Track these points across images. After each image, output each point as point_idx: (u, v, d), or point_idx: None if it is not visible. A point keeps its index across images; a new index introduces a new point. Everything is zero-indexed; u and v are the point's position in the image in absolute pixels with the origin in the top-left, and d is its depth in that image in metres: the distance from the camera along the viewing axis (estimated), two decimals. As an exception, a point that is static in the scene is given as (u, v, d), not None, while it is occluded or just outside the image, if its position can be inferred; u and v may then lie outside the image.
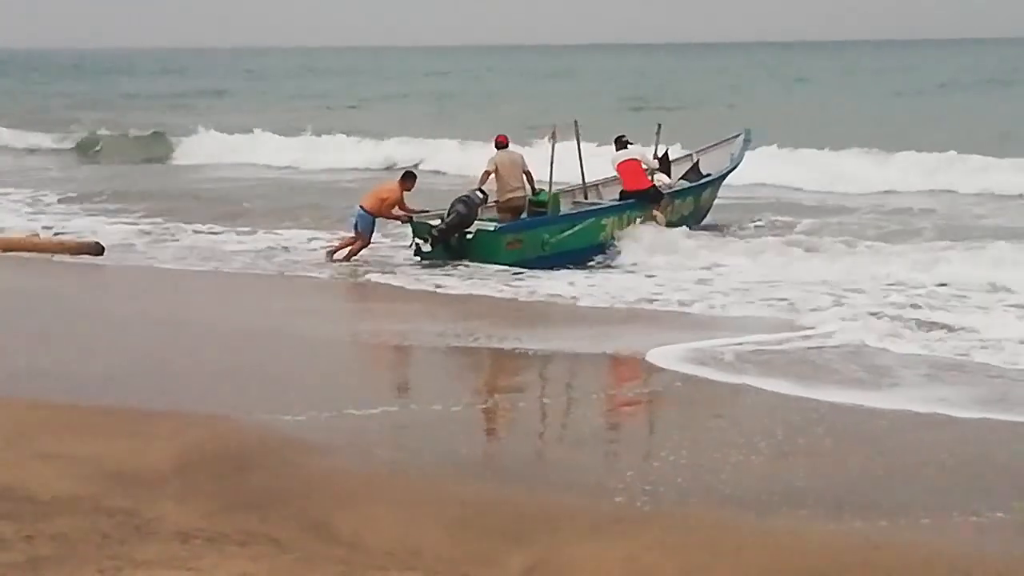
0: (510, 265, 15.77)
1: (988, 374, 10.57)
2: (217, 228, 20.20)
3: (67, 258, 17.13)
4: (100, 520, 6.73)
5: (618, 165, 17.70)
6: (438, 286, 15.00)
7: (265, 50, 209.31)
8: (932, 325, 12.38)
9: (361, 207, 16.80)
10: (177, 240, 19.24)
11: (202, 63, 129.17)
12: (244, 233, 19.59)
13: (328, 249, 17.07)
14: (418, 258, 16.32)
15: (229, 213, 21.88)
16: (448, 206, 16.13)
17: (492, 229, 16.14)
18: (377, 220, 16.81)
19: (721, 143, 20.19)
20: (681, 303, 13.92)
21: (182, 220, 20.98)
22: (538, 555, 6.40)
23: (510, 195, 16.80)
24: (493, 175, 16.76)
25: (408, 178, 17.11)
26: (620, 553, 6.46)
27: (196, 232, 19.87)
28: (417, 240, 16.20)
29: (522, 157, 17.09)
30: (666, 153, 19.00)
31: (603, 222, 16.92)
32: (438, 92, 63.75)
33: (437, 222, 16.07)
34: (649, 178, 17.76)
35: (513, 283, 15.14)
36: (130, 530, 6.61)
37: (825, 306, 13.46)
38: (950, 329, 12.15)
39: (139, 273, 16.48)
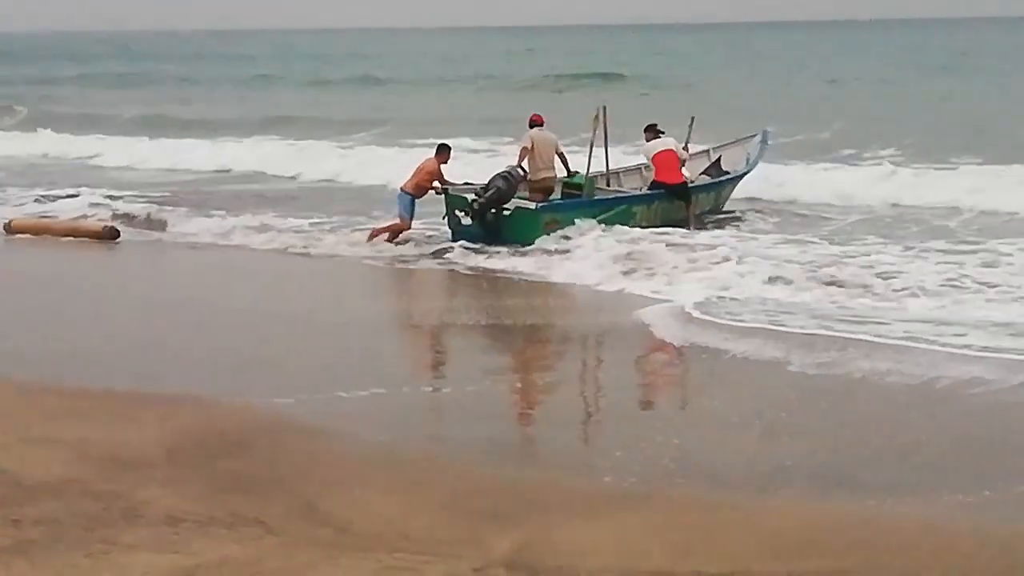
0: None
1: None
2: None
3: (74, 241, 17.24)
4: (88, 504, 6.73)
5: (655, 155, 17.43)
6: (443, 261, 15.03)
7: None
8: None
9: (402, 189, 16.80)
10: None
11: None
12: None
13: (371, 232, 16.85)
14: (452, 233, 16.26)
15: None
16: (487, 181, 16.04)
17: (533, 207, 16.04)
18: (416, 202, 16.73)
19: (738, 141, 20.05)
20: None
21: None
22: (527, 536, 6.40)
23: (543, 175, 16.69)
24: (523, 152, 16.70)
25: (444, 150, 17.04)
26: (609, 533, 6.47)
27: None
28: (457, 212, 16.08)
29: (555, 137, 16.99)
30: (685, 146, 18.65)
31: (634, 210, 16.82)
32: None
33: (472, 196, 15.98)
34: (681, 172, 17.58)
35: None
36: (118, 514, 6.61)
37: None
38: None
39: (135, 253, 16.45)
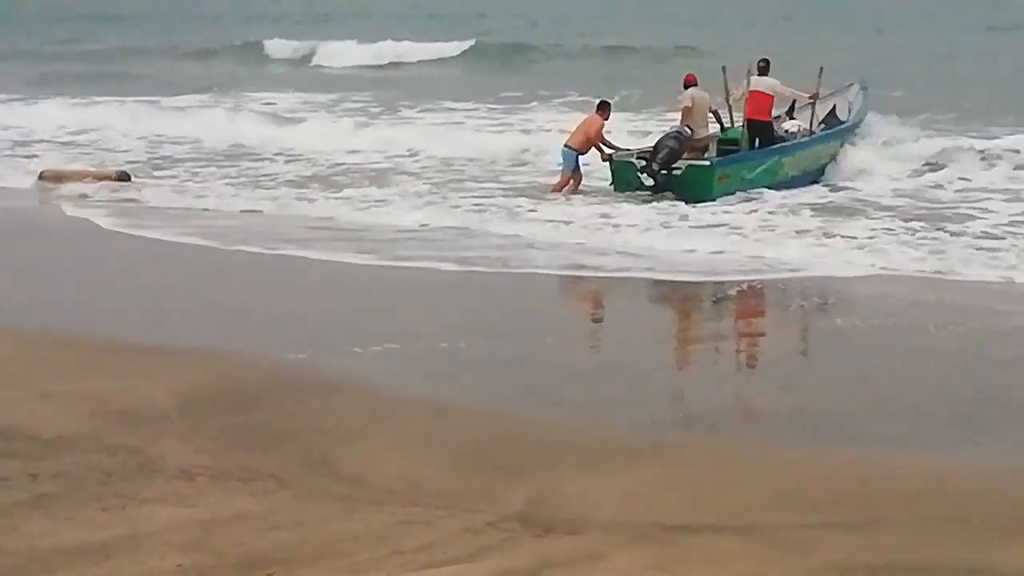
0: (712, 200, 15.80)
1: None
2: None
3: (86, 186, 17.48)
4: (103, 458, 6.76)
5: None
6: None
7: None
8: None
9: (567, 146, 16.88)
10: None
11: None
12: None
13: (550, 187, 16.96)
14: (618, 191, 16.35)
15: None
16: (654, 143, 16.34)
17: (707, 163, 16.29)
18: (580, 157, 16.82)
19: (835, 93, 19.61)
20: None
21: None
22: (540, 489, 6.42)
23: (702, 133, 16.89)
24: (685, 112, 16.82)
25: (605, 107, 17.19)
26: (622, 486, 6.49)
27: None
28: (639, 175, 16.15)
29: (708, 96, 17.11)
30: (793, 102, 18.42)
31: (783, 160, 17.02)
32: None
33: (638, 161, 16.19)
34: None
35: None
36: (134, 468, 6.64)
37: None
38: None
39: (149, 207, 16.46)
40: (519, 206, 15.82)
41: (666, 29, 44.66)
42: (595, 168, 16.93)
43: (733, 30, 44.82)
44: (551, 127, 21.44)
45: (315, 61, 41.74)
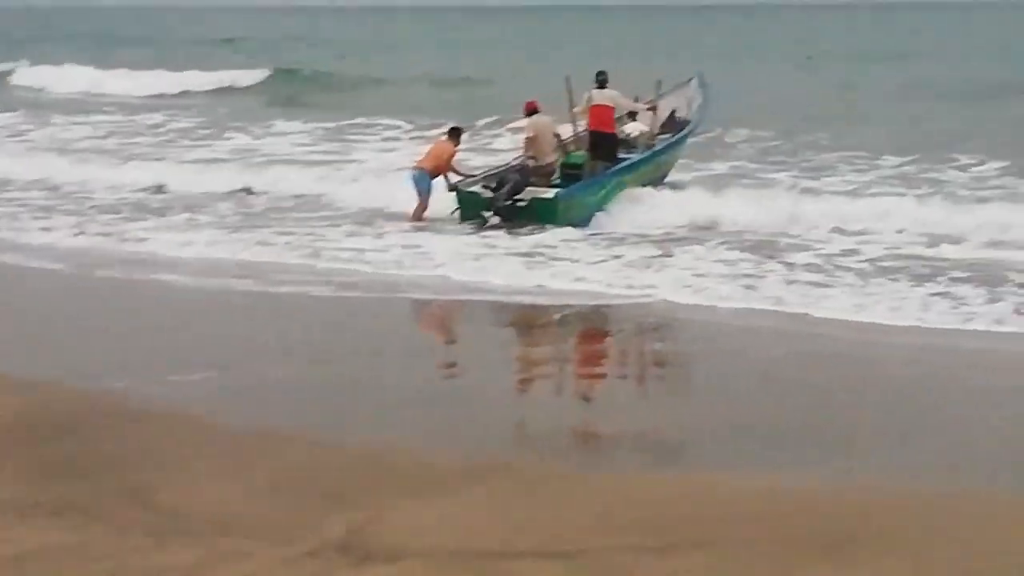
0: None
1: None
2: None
3: None
4: (-95, 493, 6.49)
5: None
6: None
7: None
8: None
9: (420, 168, 16.72)
10: None
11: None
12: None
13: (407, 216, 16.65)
14: (463, 222, 16.18)
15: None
16: (499, 176, 16.30)
17: (551, 195, 16.19)
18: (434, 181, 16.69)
19: (674, 90, 19.70)
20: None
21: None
22: (362, 517, 6.36)
23: (546, 160, 16.85)
24: (528, 142, 16.82)
25: (456, 133, 17.17)
26: (446, 512, 6.48)
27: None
28: (483, 213, 16.10)
29: (552, 121, 17.13)
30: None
31: (625, 179, 17.10)
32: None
33: (484, 194, 16.13)
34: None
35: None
36: (-63, 501, 6.39)
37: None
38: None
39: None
40: (352, 233, 15.76)
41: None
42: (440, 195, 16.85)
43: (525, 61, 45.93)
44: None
45: (101, 89, 40.34)
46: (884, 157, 20.94)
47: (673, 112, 19.36)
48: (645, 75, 19.12)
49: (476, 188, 16.49)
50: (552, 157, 17.02)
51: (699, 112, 19.31)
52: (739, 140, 23.67)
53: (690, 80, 20.12)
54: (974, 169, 19.72)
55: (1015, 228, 14.75)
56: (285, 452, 7.48)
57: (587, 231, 15.71)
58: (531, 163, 16.57)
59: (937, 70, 40.27)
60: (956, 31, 73.18)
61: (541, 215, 16.02)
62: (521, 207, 16.08)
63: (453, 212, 16.46)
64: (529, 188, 16.31)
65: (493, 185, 16.25)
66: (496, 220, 16.03)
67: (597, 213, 16.33)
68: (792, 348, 10.30)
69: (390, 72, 42.67)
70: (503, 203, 15.99)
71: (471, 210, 16.29)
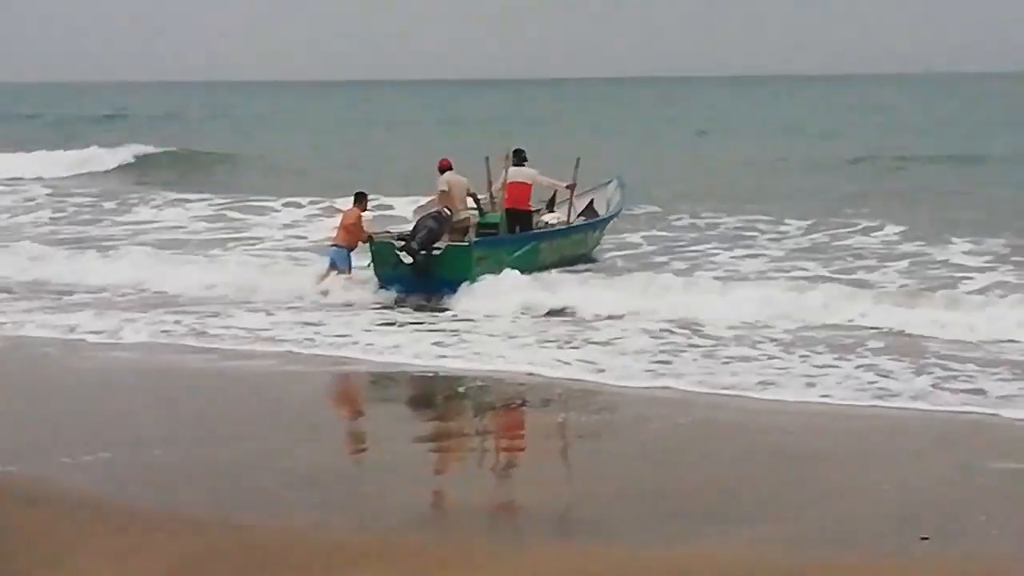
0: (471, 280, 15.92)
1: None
2: None
3: None
4: None
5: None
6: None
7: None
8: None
9: (336, 244, 16.92)
10: None
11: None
12: None
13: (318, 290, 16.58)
14: (380, 280, 16.28)
15: None
16: (415, 224, 16.50)
17: (465, 244, 16.49)
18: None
19: (594, 189, 20.59)
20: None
21: None
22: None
23: (461, 215, 17.16)
24: (442, 196, 17.00)
25: (362, 198, 17.35)
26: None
27: None
28: (398, 253, 16.19)
29: (466, 180, 17.41)
30: (553, 196, 19.20)
31: (540, 246, 17.59)
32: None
33: (396, 242, 16.29)
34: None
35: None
36: None
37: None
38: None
39: None
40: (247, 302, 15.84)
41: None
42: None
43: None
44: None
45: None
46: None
47: (591, 202, 20.21)
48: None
49: (391, 240, 16.57)
50: (465, 214, 17.32)
51: (616, 207, 20.10)
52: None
53: (609, 183, 20.94)
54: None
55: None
56: (179, 535, 7.33)
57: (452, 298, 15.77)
58: (447, 212, 16.67)
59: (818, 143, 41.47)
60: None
61: (455, 265, 16.12)
62: (436, 255, 16.17)
63: (368, 265, 16.59)
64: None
65: (408, 236, 16.38)
66: (410, 261, 16.10)
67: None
68: (690, 419, 10.40)
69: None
70: (418, 249, 16.06)
71: (385, 261, 16.35)
